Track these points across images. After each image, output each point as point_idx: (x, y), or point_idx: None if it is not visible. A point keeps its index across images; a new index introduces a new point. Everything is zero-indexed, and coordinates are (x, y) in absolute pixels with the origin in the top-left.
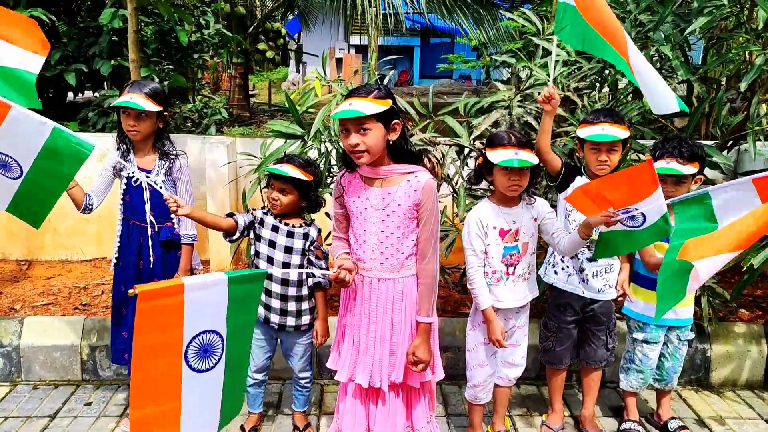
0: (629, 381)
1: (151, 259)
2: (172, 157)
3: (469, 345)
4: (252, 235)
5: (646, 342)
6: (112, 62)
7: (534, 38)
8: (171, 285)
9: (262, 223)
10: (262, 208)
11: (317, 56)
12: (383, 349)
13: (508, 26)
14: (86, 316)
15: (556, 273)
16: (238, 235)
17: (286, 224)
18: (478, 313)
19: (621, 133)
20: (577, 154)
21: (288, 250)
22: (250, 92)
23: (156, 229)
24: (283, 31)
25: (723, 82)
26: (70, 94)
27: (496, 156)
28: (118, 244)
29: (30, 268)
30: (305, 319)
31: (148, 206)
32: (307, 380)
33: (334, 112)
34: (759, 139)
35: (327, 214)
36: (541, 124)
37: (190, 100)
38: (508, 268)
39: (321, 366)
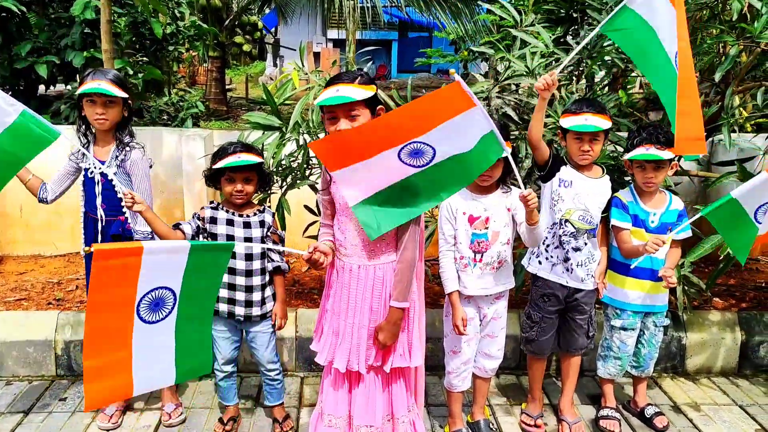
0: (607, 368)
1: None
2: (128, 149)
3: (444, 331)
4: (207, 236)
5: (624, 329)
6: (85, 54)
7: (512, 30)
8: (129, 247)
9: (214, 220)
10: (211, 203)
11: (295, 50)
12: (361, 334)
13: (486, 20)
14: (60, 311)
15: (540, 263)
16: None
17: (240, 215)
18: None
19: (603, 123)
20: (556, 144)
21: (247, 240)
22: (227, 86)
23: (104, 223)
24: (260, 24)
25: (696, 75)
26: (42, 87)
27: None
28: (83, 238)
29: (2, 263)
30: (270, 305)
31: (99, 199)
32: (276, 371)
33: (321, 99)
34: (734, 130)
35: (306, 206)
36: (536, 114)
37: (166, 94)
38: (475, 255)
39: (300, 358)
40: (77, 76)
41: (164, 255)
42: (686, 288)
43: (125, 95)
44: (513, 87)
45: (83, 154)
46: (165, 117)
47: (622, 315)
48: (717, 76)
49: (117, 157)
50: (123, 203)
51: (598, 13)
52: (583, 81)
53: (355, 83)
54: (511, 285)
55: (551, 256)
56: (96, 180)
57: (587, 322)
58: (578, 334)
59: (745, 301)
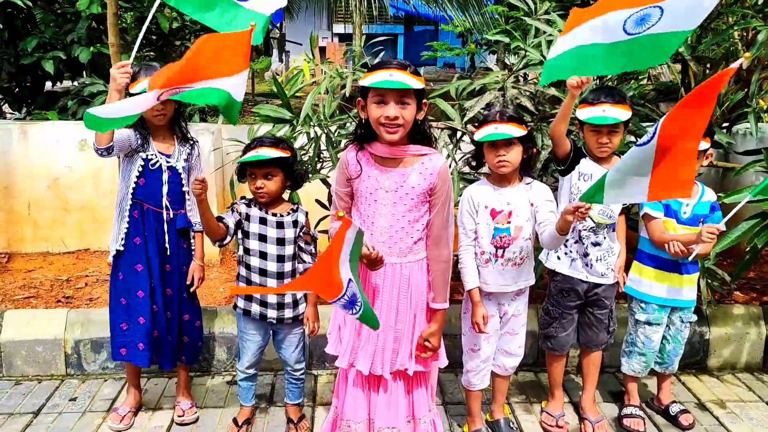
0: (631, 365)
1: (167, 246)
2: (192, 142)
3: (463, 329)
4: (239, 233)
5: (649, 323)
6: (91, 49)
7: (527, 18)
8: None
9: (248, 217)
10: (242, 198)
11: (301, 45)
12: (387, 336)
13: (494, 12)
14: (69, 308)
15: (558, 258)
16: (229, 239)
17: (274, 214)
18: None
19: (622, 114)
20: (573, 135)
21: (280, 241)
22: None
23: (171, 216)
24: None
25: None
26: (49, 83)
27: (478, 134)
28: (126, 231)
29: (10, 261)
30: (302, 307)
31: (165, 189)
32: (302, 372)
33: (375, 81)
34: (761, 119)
35: (317, 200)
36: (563, 110)
37: None
38: (497, 251)
39: (314, 356)
40: (84, 71)
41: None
42: (709, 281)
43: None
44: (524, 77)
45: (143, 145)
46: None
47: (647, 309)
48: (745, 63)
49: (183, 151)
50: (191, 191)
51: None
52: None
53: (408, 72)
54: (532, 281)
55: (570, 251)
56: (163, 172)
57: (607, 316)
58: (598, 330)
59: (767, 294)
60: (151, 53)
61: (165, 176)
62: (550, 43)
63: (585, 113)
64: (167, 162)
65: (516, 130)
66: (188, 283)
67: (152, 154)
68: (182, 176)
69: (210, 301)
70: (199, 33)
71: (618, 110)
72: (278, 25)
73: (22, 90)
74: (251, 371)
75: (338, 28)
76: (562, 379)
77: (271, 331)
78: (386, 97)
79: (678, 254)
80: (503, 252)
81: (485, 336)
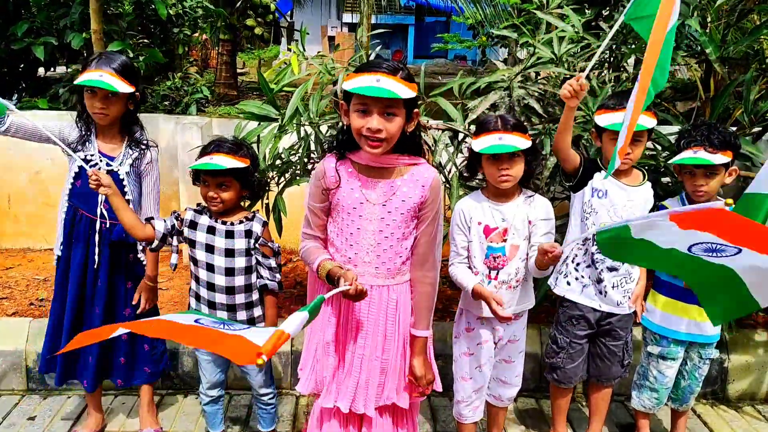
0: (641, 400)
1: (96, 258)
2: (143, 147)
3: (454, 355)
4: (185, 240)
5: (662, 358)
6: (84, 35)
7: (538, 12)
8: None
9: (194, 225)
10: (198, 205)
11: (309, 34)
12: (372, 368)
13: (506, 4)
14: (33, 318)
15: (568, 284)
16: (157, 243)
17: (224, 222)
18: (462, 319)
19: (648, 121)
20: (585, 141)
21: (229, 253)
22: (240, 70)
23: (107, 226)
24: (273, 6)
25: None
26: (42, 69)
27: (478, 144)
28: (62, 236)
29: None
30: (260, 327)
31: (102, 199)
32: (270, 396)
33: (357, 86)
34: None
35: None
36: (563, 122)
37: (170, 78)
38: (490, 271)
39: (296, 375)
40: (78, 57)
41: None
42: None
43: (130, 89)
44: (536, 75)
45: (75, 148)
46: (167, 102)
47: (662, 342)
48: None
49: (131, 155)
50: (141, 200)
51: None
52: (620, 71)
53: (398, 77)
54: (531, 305)
55: (582, 276)
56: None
57: (622, 349)
58: (611, 363)
59: None
60: (146, 40)
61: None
62: (561, 39)
63: (605, 119)
64: (108, 165)
65: (522, 141)
66: (134, 303)
67: (92, 155)
68: (125, 183)
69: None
70: (199, 20)
71: (643, 117)
72: (287, 14)
73: (12, 76)
74: (214, 393)
75: (348, 18)
76: (566, 412)
77: None
78: (370, 105)
79: None
80: (497, 273)
81: (477, 363)
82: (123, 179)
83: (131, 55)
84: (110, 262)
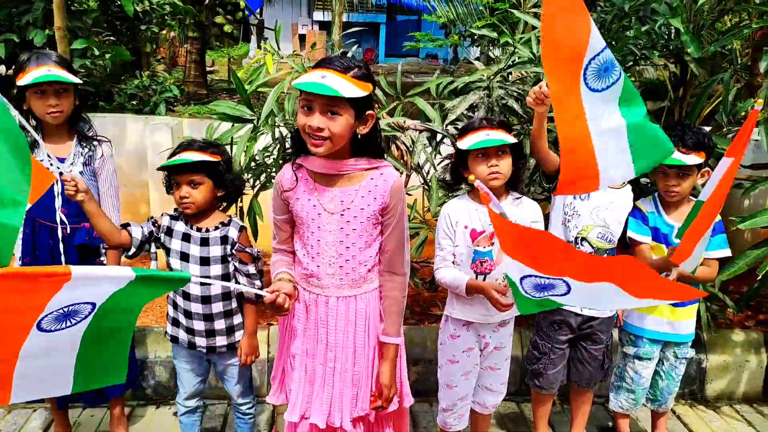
0: (619, 401)
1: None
2: (94, 143)
3: (439, 362)
4: (162, 247)
5: (638, 358)
6: (47, 32)
7: (515, 11)
8: (55, 272)
9: (170, 232)
10: (176, 210)
11: (273, 30)
12: (344, 380)
13: (478, 3)
14: None
15: None
16: (134, 250)
17: (199, 229)
18: (448, 325)
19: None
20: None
21: (204, 261)
22: (209, 69)
23: (68, 231)
24: (242, 4)
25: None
26: (2, 68)
27: (465, 142)
28: (20, 251)
29: None
30: (239, 335)
31: (59, 202)
32: (249, 405)
33: (301, 81)
34: None
35: None
36: (535, 128)
37: (138, 76)
38: (477, 277)
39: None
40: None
41: (94, 282)
42: (709, 305)
43: (78, 80)
44: (512, 75)
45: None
46: (135, 102)
47: (637, 342)
48: (763, 66)
49: (82, 153)
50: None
51: None
52: None
53: (348, 75)
54: (517, 312)
55: None
56: (56, 181)
57: (603, 353)
58: (592, 367)
59: (763, 312)
60: (112, 37)
61: (57, 186)
62: (539, 39)
63: None
64: (59, 167)
65: (509, 137)
66: None
67: (41, 160)
68: None
69: (157, 317)
70: (167, 17)
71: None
72: (257, 11)
73: None
74: (192, 403)
75: (318, 16)
76: (548, 417)
77: (210, 361)
78: (313, 102)
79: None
80: (485, 278)
81: (462, 371)
82: (69, 171)
83: (96, 53)
84: None
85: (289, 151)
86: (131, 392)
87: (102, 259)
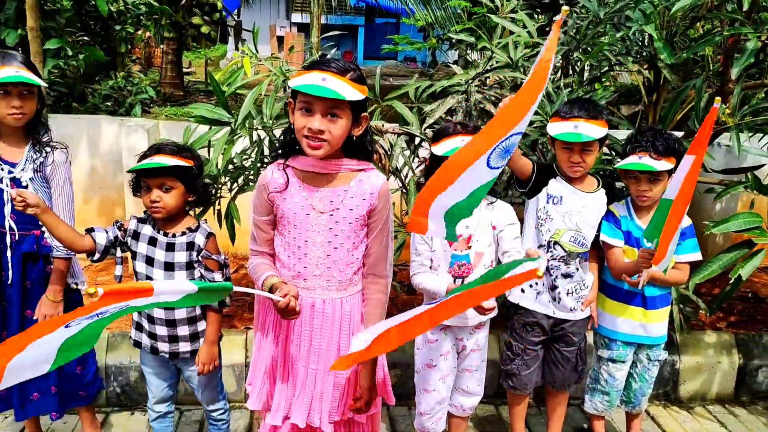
0: (594, 403)
1: (10, 273)
2: (47, 149)
3: (417, 366)
4: (129, 250)
5: (612, 361)
6: (20, 31)
7: (493, 16)
8: (140, 288)
9: (137, 236)
10: (145, 212)
11: (249, 31)
12: (326, 382)
13: (457, 7)
14: None
15: (522, 291)
16: (98, 256)
17: (166, 234)
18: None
19: (596, 131)
20: (542, 146)
21: (169, 266)
22: (186, 70)
23: (17, 238)
24: (220, 5)
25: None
26: None
27: (440, 148)
28: None
29: None
30: (203, 341)
31: (8, 209)
32: (221, 411)
33: (301, 83)
34: (743, 132)
35: None
36: None
37: (112, 77)
38: (455, 280)
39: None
40: None
41: (165, 295)
42: (682, 307)
43: (44, 83)
44: (489, 79)
45: None
46: (110, 103)
47: (611, 345)
48: (734, 73)
49: (34, 159)
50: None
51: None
52: (575, 76)
53: (346, 78)
54: (494, 313)
55: (536, 283)
56: (5, 186)
57: (576, 354)
58: (565, 368)
59: (734, 314)
60: (86, 38)
61: (6, 192)
62: (516, 44)
63: (555, 128)
64: (10, 173)
65: None
66: (34, 318)
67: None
68: (30, 190)
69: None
70: (141, 18)
71: (592, 127)
72: (234, 12)
73: None
74: (162, 408)
75: (297, 18)
76: (524, 417)
77: (174, 366)
78: (314, 105)
79: (633, 284)
80: (462, 281)
81: (440, 375)
82: (27, 186)
83: (70, 53)
84: (27, 276)
85: (267, 153)
86: (105, 398)
87: (50, 267)
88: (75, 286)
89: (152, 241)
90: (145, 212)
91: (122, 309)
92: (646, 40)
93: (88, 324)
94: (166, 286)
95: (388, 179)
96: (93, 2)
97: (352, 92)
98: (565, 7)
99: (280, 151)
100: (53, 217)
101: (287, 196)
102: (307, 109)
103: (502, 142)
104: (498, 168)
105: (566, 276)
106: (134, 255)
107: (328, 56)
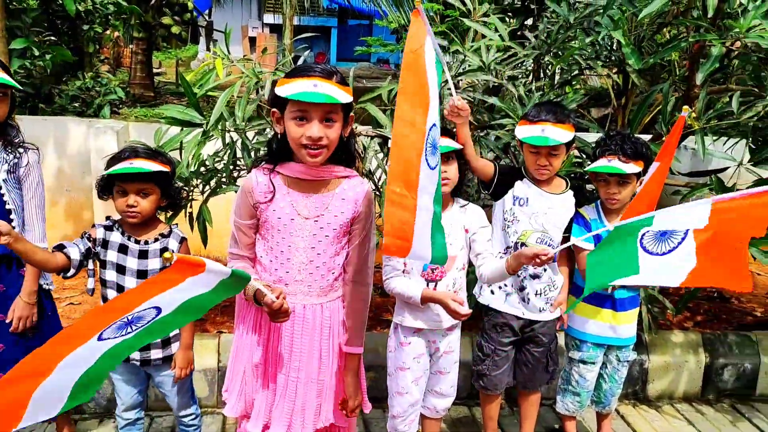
0: (565, 403)
1: None
2: (20, 150)
3: (389, 370)
4: (98, 260)
5: (583, 362)
6: None
7: (466, 20)
8: (195, 261)
9: (105, 244)
10: (108, 219)
11: (222, 32)
12: (308, 391)
13: (430, 9)
14: None
15: (492, 293)
16: (74, 271)
17: (137, 241)
18: (398, 332)
19: (563, 135)
20: (513, 149)
21: (142, 274)
22: (156, 70)
23: None
24: (191, 5)
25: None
26: None
27: None
28: None
29: None
30: (175, 347)
31: None
32: (192, 417)
33: (295, 92)
34: (708, 135)
35: None
36: (458, 137)
37: (80, 77)
38: (428, 284)
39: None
40: None
41: (210, 275)
42: (650, 307)
43: (17, 84)
44: (462, 82)
45: None
46: (77, 104)
47: (582, 347)
48: (700, 78)
49: (8, 160)
50: (23, 208)
51: (557, 3)
52: (546, 80)
53: (334, 81)
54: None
55: (505, 285)
56: None
57: (546, 355)
58: (536, 369)
59: (700, 313)
60: (53, 37)
61: None
62: (489, 48)
63: (523, 131)
64: None
65: (454, 144)
66: (7, 321)
67: None
68: (2, 192)
69: None
70: (110, 17)
71: (559, 131)
72: (205, 12)
73: None
74: (131, 415)
75: (269, 18)
76: (497, 417)
77: (144, 372)
78: (309, 112)
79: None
80: (435, 285)
81: (413, 377)
82: (0, 187)
83: (36, 53)
84: (0, 279)
85: (240, 155)
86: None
87: (23, 270)
88: (46, 287)
89: (122, 249)
90: (108, 218)
91: (138, 336)
92: (615, 45)
93: (107, 350)
94: (212, 265)
95: None
96: (60, 1)
97: (343, 95)
98: None
99: (268, 157)
100: (25, 244)
101: (274, 201)
102: (302, 117)
103: (427, 138)
104: (436, 168)
105: (534, 277)
106: (103, 264)
107: (304, 60)
